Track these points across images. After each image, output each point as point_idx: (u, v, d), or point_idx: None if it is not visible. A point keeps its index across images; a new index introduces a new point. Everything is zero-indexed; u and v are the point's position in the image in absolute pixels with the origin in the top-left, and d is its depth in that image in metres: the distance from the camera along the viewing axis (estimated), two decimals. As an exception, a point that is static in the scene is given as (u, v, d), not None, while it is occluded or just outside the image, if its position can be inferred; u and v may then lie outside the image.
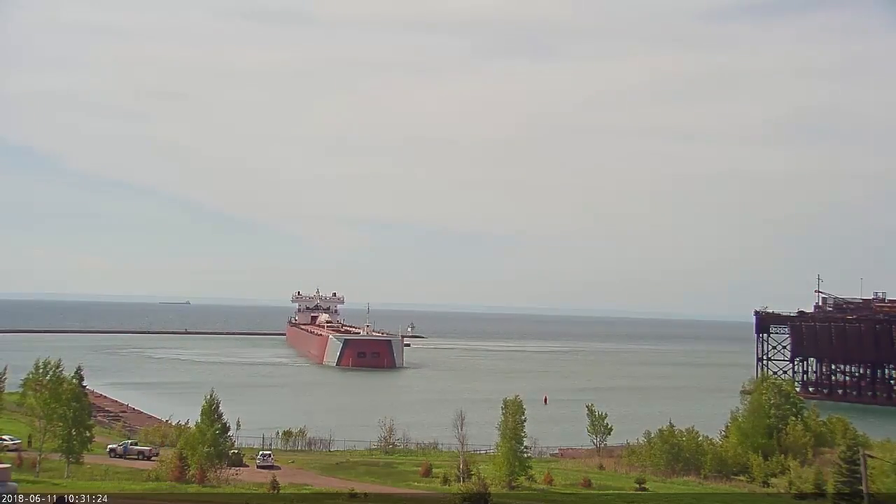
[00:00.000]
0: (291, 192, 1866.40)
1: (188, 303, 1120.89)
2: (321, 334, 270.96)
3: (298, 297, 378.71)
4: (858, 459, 60.13)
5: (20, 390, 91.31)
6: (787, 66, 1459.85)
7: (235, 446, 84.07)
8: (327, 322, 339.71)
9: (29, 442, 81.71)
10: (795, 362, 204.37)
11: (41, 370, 76.57)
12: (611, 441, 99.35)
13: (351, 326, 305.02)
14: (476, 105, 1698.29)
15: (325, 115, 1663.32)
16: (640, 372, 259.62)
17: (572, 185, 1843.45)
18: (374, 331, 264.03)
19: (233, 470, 73.25)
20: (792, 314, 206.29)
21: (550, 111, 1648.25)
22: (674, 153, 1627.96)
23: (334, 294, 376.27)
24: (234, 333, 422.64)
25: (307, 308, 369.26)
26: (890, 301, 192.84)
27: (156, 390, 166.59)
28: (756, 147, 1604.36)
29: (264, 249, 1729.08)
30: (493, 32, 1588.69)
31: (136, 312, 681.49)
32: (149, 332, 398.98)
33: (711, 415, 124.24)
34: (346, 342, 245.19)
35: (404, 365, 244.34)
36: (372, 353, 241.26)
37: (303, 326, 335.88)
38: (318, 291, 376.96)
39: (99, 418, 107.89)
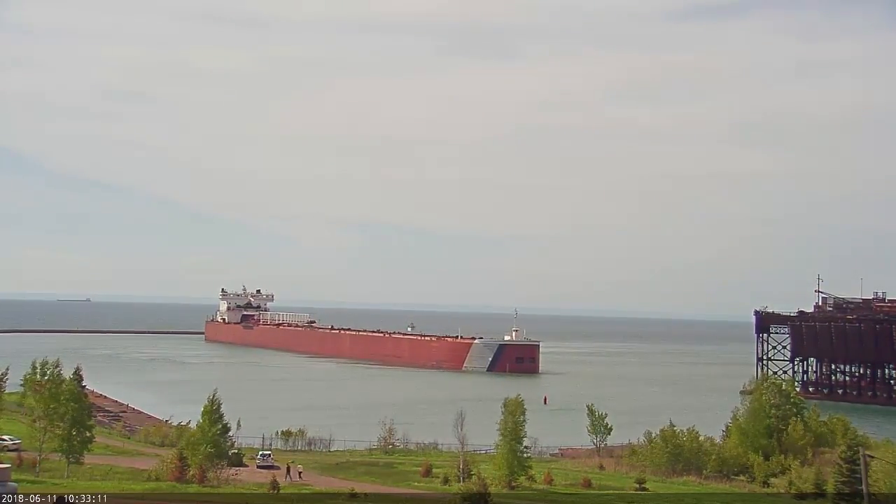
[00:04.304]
0: (264, 192, 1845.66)
1: (88, 300, 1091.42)
2: (452, 339, 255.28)
3: (225, 294, 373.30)
4: (858, 459, 60.08)
5: (20, 390, 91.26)
6: (752, 67, 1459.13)
7: (235, 446, 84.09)
8: (311, 320, 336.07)
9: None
10: (795, 362, 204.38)
11: (39, 370, 76.56)
12: (611, 441, 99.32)
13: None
14: (442, 106, 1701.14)
15: (293, 116, 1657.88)
16: (639, 371, 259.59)
17: (558, 187, 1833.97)
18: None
19: (233, 470, 73.26)
20: (792, 314, 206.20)
21: (517, 111, 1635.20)
22: (653, 153, 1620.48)
23: (258, 291, 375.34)
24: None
25: (238, 306, 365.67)
26: (890, 301, 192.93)
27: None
28: (734, 147, 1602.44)
29: (226, 248, 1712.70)
30: (458, 33, 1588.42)
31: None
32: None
33: (712, 415, 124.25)
34: (500, 347, 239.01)
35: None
36: (529, 358, 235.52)
37: (338, 330, 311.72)
38: (244, 289, 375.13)
39: (99, 418, 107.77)
